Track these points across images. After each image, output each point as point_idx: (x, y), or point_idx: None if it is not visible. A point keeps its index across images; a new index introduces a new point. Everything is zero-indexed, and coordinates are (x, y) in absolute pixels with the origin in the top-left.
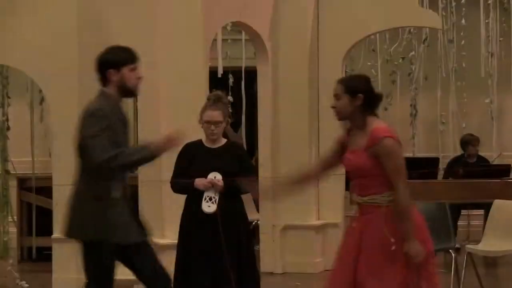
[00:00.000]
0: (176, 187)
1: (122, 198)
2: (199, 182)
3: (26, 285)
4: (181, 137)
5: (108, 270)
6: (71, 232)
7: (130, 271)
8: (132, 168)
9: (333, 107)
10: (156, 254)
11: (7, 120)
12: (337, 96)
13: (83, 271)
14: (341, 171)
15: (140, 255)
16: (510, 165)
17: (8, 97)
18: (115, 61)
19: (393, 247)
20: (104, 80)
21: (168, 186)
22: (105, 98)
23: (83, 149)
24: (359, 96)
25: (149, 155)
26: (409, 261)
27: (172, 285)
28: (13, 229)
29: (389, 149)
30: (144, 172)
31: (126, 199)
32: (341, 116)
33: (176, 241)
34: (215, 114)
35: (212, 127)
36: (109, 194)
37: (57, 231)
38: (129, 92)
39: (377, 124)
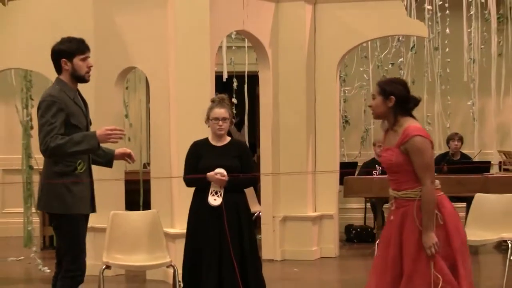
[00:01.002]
0: (190, 182)
1: (86, 172)
2: (211, 176)
3: (48, 270)
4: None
5: (79, 240)
6: (41, 206)
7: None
8: (77, 155)
9: (369, 106)
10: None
11: (31, 120)
12: (373, 96)
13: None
14: (335, 168)
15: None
16: (490, 162)
17: (32, 99)
18: (67, 51)
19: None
20: (59, 68)
21: (177, 181)
22: (59, 85)
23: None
24: (391, 98)
25: (95, 145)
26: (444, 250)
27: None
28: (36, 220)
29: (418, 146)
30: (156, 168)
31: (88, 173)
32: (375, 114)
33: (185, 231)
34: (222, 111)
35: (220, 122)
36: (74, 170)
37: None
38: (80, 79)
39: (410, 123)
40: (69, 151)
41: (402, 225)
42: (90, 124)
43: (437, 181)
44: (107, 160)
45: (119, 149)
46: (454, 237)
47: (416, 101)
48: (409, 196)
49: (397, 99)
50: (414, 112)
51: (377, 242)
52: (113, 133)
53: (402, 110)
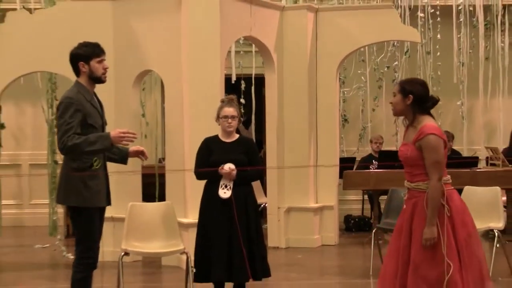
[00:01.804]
0: (201, 175)
1: (101, 168)
2: (222, 170)
3: (71, 256)
4: (133, 137)
5: (93, 230)
6: (60, 199)
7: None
8: (91, 154)
9: (390, 103)
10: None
11: (55, 118)
12: (394, 94)
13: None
14: (335, 162)
15: (102, 217)
16: (478, 157)
17: (56, 100)
18: (84, 55)
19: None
20: (77, 71)
21: (190, 174)
22: (77, 87)
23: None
24: (410, 97)
25: (109, 145)
26: (449, 240)
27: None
28: (60, 210)
29: (431, 144)
30: (170, 163)
31: (104, 169)
32: (395, 111)
33: (197, 221)
34: (231, 110)
35: (229, 120)
36: (90, 166)
37: None
38: (97, 80)
39: (427, 122)
40: (84, 150)
41: (412, 214)
42: (105, 124)
43: (448, 176)
44: (122, 157)
45: (133, 147)
46: (460, 230)
47: (434, 101)
48: (420, 188)
49: (415, 98)
50: None
51: (373, 231)
52: (126, 135)
53: (420, 108)
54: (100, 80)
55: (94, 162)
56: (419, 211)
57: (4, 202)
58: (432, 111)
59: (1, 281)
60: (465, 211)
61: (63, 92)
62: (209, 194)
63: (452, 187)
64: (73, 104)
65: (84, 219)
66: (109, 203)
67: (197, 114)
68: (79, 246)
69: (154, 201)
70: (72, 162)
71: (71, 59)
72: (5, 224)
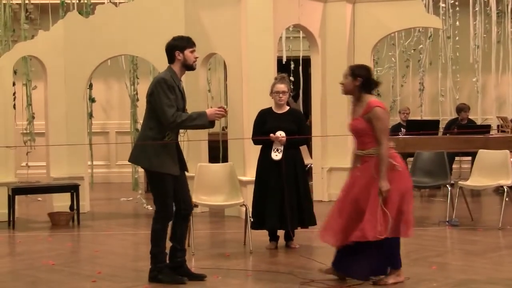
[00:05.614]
0: (257, 141)
1: (174, 140)
2: (273, 136)
3: (150, 208)
4: (225, 113)
5: (164, 191)
6: (132, 159)
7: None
8: (191, 128)
9: (341, 84)
10: (187, 185)
11: (137, 94)
12: (344, 76)
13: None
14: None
15: (179, 183)
16: (490, 125)
17: (137, 78)
18: (180, 46)
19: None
20: (172, 59)
21: (248, 140)
22: (170, 72)
23: (154, 105)
24: (358, 79)
25: (206, 122)
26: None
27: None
28: (141, 170)
29: (378, 115)
30: (232, 130)
31: (176, 140)
32: (345, 91)
33: (254, 178)
34: (282, 86)
35: (281, 95)
36: (162, 138)
37: None
38: (189, 67)
39: (371, 98)
40: (187, 125)
41: (365, 176)
42: (185, 108)
43: (392, 142)
44: (209, 122)
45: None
46: (404, 180)
47: (377, 84)
48: (371, 154)
49: (363, 80)
50: (432, 87)
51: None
52: (220, 113)
53: (365, 89)
54: (192, 67)
55: (166, 136)
56: (367, 172)
57: (95, 163)
58: (452, 86)
59: (94, 227)
60: (406, 170)
61: (144, 72)
62: (264, 157)
63: (395, 151)
64: (169, 85)
65: (152, 180)
66: (181, 171)
67: (254, 90)
68: (156, 202)
69: (218, 162)
70: (148, 130)
71: (168, 48)
72: (96, 181)
